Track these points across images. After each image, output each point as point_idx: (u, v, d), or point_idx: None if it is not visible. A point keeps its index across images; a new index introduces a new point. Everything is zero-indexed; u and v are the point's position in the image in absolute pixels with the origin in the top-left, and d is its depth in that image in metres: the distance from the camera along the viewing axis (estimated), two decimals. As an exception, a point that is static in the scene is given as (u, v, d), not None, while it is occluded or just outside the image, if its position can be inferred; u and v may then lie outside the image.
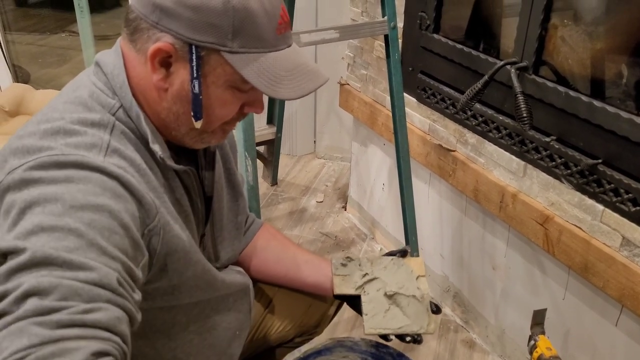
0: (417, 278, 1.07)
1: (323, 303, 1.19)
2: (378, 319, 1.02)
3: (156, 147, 0.77)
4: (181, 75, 0.74)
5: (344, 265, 1.07)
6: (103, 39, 3.44)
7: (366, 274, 1.07)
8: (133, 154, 0.74)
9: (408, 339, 1.03)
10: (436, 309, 1.06)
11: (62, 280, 0.59)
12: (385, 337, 1.04)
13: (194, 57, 0.72)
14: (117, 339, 0.60)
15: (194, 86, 0.73)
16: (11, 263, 0.60)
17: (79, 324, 0.57)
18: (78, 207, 0.64)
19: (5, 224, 0.64)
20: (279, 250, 1.12)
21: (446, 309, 1.84)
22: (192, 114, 0.76)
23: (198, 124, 0.77)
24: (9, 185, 0.66)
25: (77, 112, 0.73)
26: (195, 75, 0.73)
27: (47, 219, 0.62)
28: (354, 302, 1.07)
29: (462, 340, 1.72)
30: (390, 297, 1.04)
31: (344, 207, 2.36)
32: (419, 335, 1.03)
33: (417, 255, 1.69)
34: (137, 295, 0.67)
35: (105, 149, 0.71)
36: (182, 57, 0.73)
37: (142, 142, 0.77)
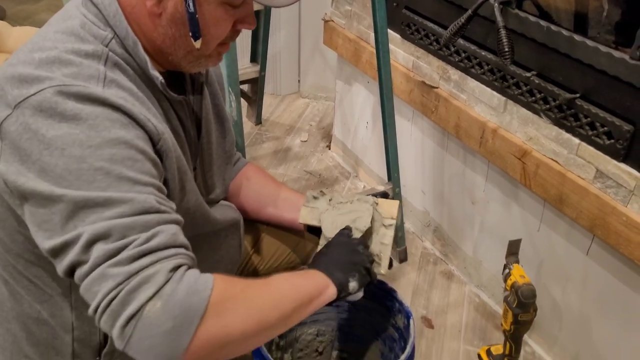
0: (385, 224, 1.05)
1: (310, 242, 1.23)
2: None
3: (155, 73, 0.78)
4: None
5: (315, 198, 1.09)
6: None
7: (339, 205, 1.08)
8: (129, 84, 0.75)
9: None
10: (391, 264, 1.08)
11: (114, 220, 0.65)
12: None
13: None
14: (182, 250, 0.69)
15: (188, 5, 0.73)
16: (56, 213, 0.65)
17: (147, 253, 0.65)
18: (96, 146, 0.67)
19: (25, 164, 0.67)
20: (259, 187, 1.15)
21: (426, 243, 1.90)
22: (189, 34, 0.76)
23: (198, 44, 0.77)
24: (19, 121, 0.67)
25: (70, 42, 0.73)
26: None
27: (71, 163, 0.66)
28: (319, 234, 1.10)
29: (440, 272, 1.79)
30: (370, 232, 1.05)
31: (328, 146, 2.38)
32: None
33: (399, 198, 1.73)
34: (173, 204, 0.74)
35: (103, 79, 0.72)
36: None
37: (137, 73, 0.78)
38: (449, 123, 1.59)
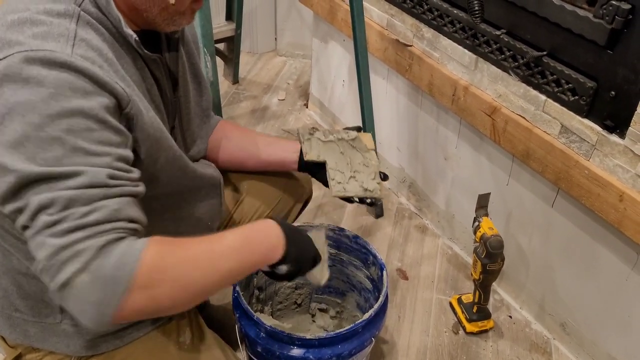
0: (368, 151, 1.17)
1: (291, 198, 1.27)
2: (342, 185, 1.13)
3: (129, 31, 0.79)
4: None
5: (311, 134, 1.16)
6: None
7: (329, 142, 1.16)
8: (100, 44, 0.76)
9: (368, 200, 1.15)
10: (384, 177, 1.18)
11: (60, 192, 0.68)
12: (349, 199, 1.14)
13: None
14: (121, 223, 0.71)
15: None
16: (6, 183, 0.68)
17: (81, 227, 0.68)
18: (54, 116, 0.68)
19: None
20: (240, 139, 1.18)
21: (401, 199, 1.95)
22: None
23: (173, 0, 0.79)
24: None
25: (42, 3, 0.74)
26: None
27: (29, 130, 0.68)
28: (317, 170, 1.16)
29: (415, 226, 1.85)
30: (349, 164, 1.15)
31: (306, 105, 2.40)
32: (374, 198, 1.15)
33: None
34: (135, 174, 0.76)
35: (73, 38, 0.73)
36: None
37: (111, 32, 0.79)
38: (422, 81, 1.63)
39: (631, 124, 1.13)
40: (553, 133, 1.30)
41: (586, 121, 1.22)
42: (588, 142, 1.22)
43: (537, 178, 1.40)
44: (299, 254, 0.89)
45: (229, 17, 2.31)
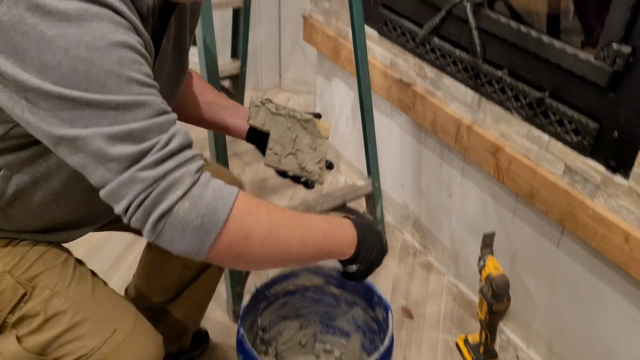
0: (320, 137, 1.16)
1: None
2: (278, 157, 1.11)
3: None
4: None
5: (263, 103, 1.11)
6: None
7: (278, 114, 1.13)
8: None
9: (303, 179, 1.13)
10: (329, 165, 1.18)
11: (131, 124, 0.69)
12: (283, 173, 1.12)
13: None
14: (196, 151, 0.75)
15: None
16: (63, 110, 0.67)
17: (170, 155, 0.71)
18: (103, 48, 0.67)
19: (22, 58, 0.66)
20: (200, 94, 1.16)
21: (406, 235, 1.95)
22: None
23: None
24: (12, 13, 0.65)
25: None
26: None
27: (78, 64, 0.66)
28: (262, 141, 1.12)
29: (420, 263, 1.84)
30: (293, 141, 1.12)
31: (310, 140, 2.41)
32: (312, 181, 1.13)
33: (379, 192, 1.77)
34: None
35: None
36: None
37: None
38: (425, 119, 1.64)
39: (635, 164, 1.13)
40: (557, 173, 1.30)
41: (590, 161, 1.22)
42: (592, 182, 1.22)
43: (542, 217, 1.40)
44: (369, 254, 0.95)
45: (234, 54, 2.35)
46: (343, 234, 0.91)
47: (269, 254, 0.79)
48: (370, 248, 0.95)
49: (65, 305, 0.90)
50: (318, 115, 1.20)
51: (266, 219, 0.78)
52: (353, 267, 0.95)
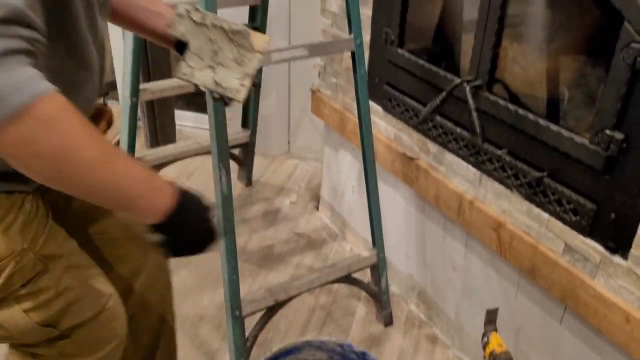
0: (252, 51, 1.08)
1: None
2: (192, 70, 1.05)
3: None
4: None
5: (188, 12, 1.05)
6: None
7: (202, 25, 1.06)
8: None
9: (216, 95, 1.06)
10: (255, 84, 1.08)
11: None
12: (198, 88, 1.06)
13: None
14: (25, 31, 0.65)
15: None
16: None
17: None
18: None
19: None
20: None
21: (411, 306, 1.95)
22: None
23: None
24: None
25: None
26: None
27: None
28: (184, 50, 1.06)
29: (425, 335, 1.84)
30: (215, 53, 1.06)
31: (317, 207, 2.45)
32: (228, 98, 1.07)
33: (384, 263, 1.80)
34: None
35: None
36: None
37: None
38: (429, 193, 1.68)
39: (632, 246, 1.15)
40: (557, 251, 1.32)
41: (589, 241, 1.24)
42: (592, 262, 1.24)
43: (545, 294, 1.41)
44: (182, 230, 0.85)
45: (244, 124, 2.42)
46: (154, 196, 0.82)
47: (54, 169, 0.70)
48: (187, 226, 0.86)
49: (74, 282, 0.96)
50: (254, 28, 1.10)
51: (62, 141, 0.69)
52: (156, 236, 0.85)
